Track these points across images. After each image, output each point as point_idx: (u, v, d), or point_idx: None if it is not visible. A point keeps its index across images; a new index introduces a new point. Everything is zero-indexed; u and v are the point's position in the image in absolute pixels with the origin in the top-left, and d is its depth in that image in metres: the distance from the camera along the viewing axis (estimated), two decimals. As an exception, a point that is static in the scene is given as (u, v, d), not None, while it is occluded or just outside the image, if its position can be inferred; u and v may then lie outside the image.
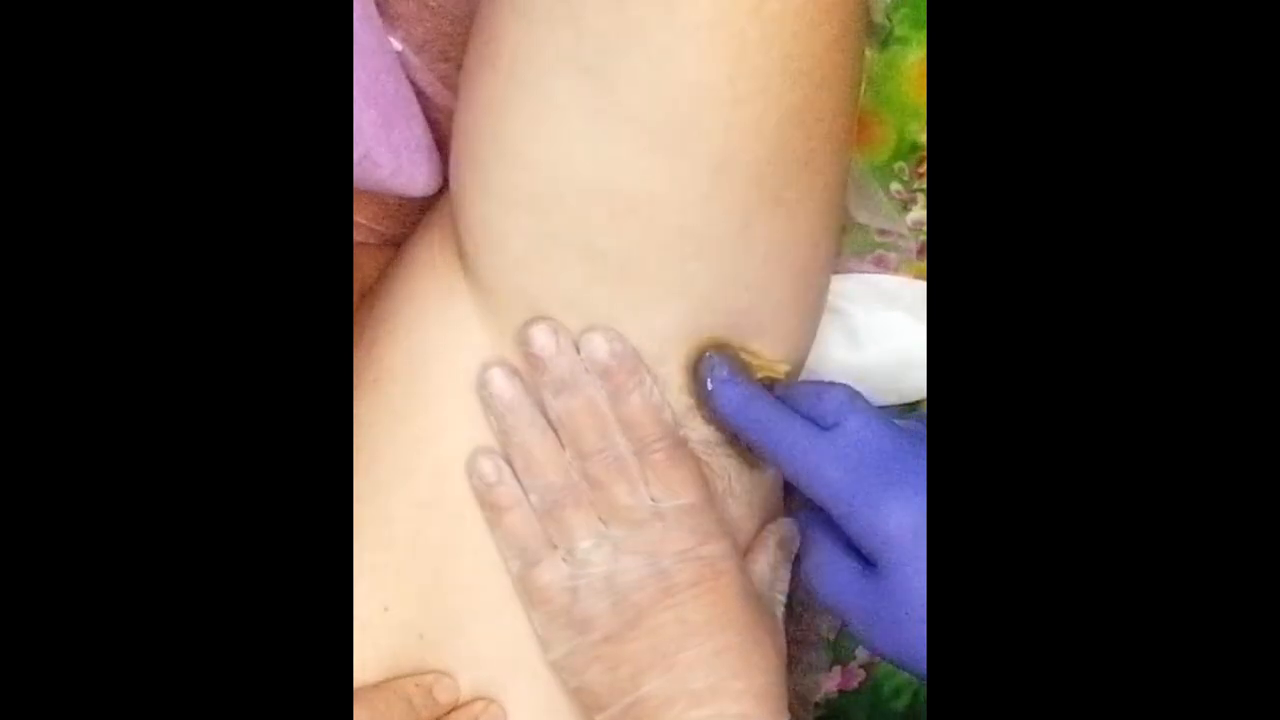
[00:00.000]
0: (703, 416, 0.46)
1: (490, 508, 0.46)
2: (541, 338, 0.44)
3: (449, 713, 0.46)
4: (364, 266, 0.54)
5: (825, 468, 0.42)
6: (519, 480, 0.45)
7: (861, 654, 0.64)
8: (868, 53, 0.49)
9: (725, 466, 0.48)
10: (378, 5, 0.51)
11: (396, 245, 0.55)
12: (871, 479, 0.41)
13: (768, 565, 0.48)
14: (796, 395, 0.45)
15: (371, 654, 0.46)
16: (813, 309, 0.49)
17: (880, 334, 0.55)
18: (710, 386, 0.45)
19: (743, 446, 0.47)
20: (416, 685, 0.45)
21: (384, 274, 0.52)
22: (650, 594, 0.44)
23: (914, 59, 0.50)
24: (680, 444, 0.45)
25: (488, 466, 0.45)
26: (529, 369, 0.45)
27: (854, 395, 0.44)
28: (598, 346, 0.44)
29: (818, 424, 0.43)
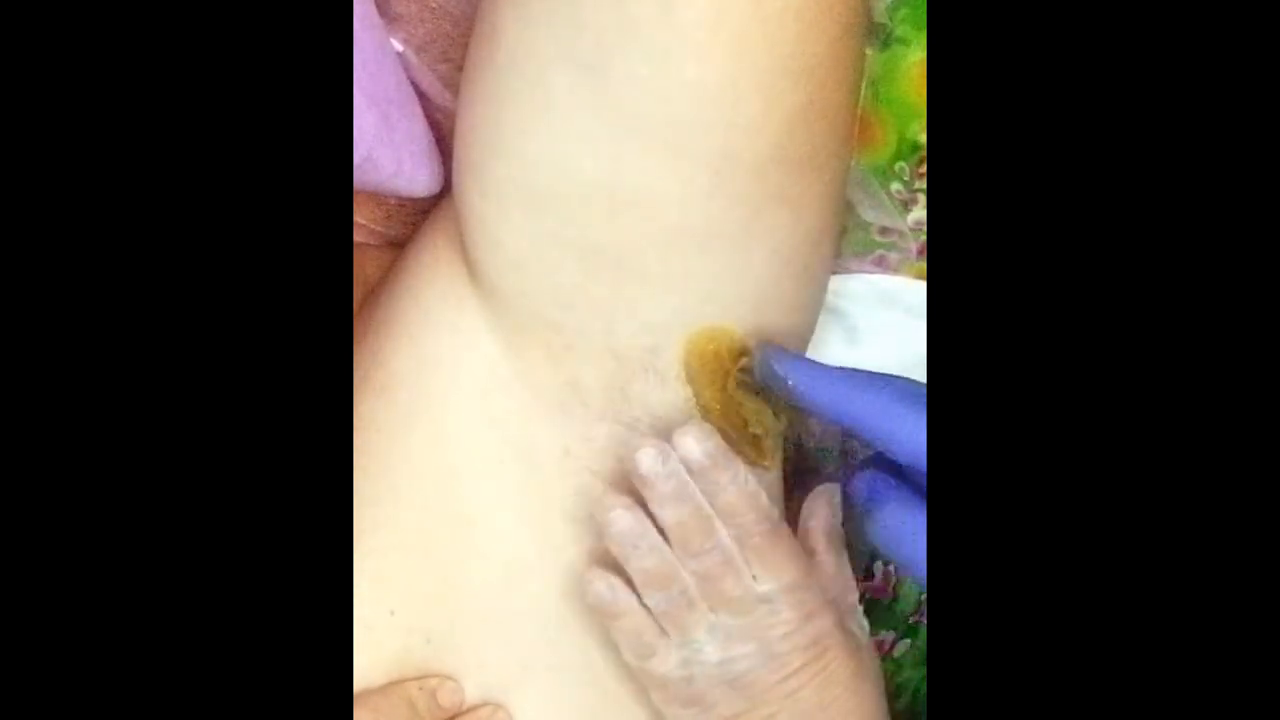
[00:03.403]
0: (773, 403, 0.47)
1: (606, 617, 0.46)
2: (648, 462, 0.44)
3: (453, 717, 0.46)
4: (366, 268, 0.55)
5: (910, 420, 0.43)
6: (635, 590, 0.46)
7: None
8: (868, 52, 0.49)
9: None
10: (378, 6, 0.51)
11: (398, 246, 0.55)
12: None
13: (832, 565, 0.48)
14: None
15: (377, 657, 0.46)
16: (813, 307, 0.49)
17: (880, 334, 0.55)
18: (784, 377, 0.45)
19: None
20: (420, 689, 0.45)
21: (388, 277, 0.52)
22: (762, 677, 0.45)
23: (914, 59, 0.50)
24: (776, 523, 0.45)
25: (602, 587, 0.45)
26: (632, 480, 0.45)
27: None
28: (691, 449, 0.44)
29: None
